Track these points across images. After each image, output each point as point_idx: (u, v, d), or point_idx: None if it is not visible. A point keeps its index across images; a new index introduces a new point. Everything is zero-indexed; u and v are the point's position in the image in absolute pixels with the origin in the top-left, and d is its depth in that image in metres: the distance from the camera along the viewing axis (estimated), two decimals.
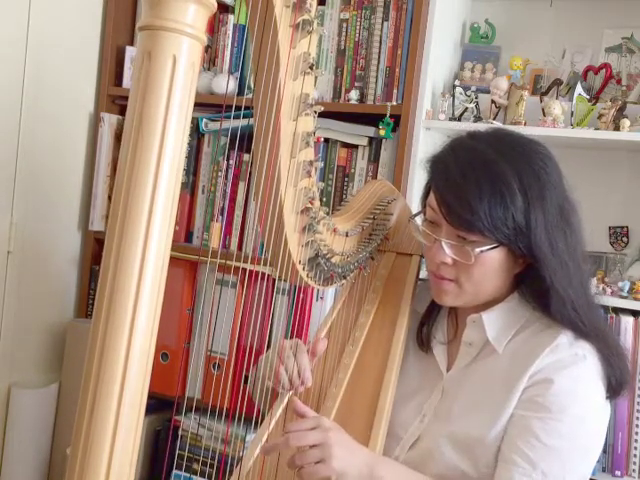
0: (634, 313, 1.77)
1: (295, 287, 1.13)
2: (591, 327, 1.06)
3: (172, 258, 0.68)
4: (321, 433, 0.96)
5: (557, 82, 1.89)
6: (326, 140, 1.94)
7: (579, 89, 1.86)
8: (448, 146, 1.10)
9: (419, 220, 1.16)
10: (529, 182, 1.01)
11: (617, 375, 1.06)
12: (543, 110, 1.83)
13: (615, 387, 1.06)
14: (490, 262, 1.05)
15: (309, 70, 0.94)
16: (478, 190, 1.00)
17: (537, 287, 1.06)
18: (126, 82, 2.22)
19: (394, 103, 1.87)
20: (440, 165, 1.08)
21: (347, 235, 1.16)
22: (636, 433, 1.73)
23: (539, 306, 1.08)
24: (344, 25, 1.97)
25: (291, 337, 1.19)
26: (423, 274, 1.25)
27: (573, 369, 1.03)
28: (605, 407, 1.07)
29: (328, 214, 1.09)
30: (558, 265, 1.03)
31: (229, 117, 1.79)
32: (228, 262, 1.80)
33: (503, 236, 1.01)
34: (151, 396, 0.68)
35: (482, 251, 1.03)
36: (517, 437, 1.02)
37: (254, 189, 0.99)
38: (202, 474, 1.93)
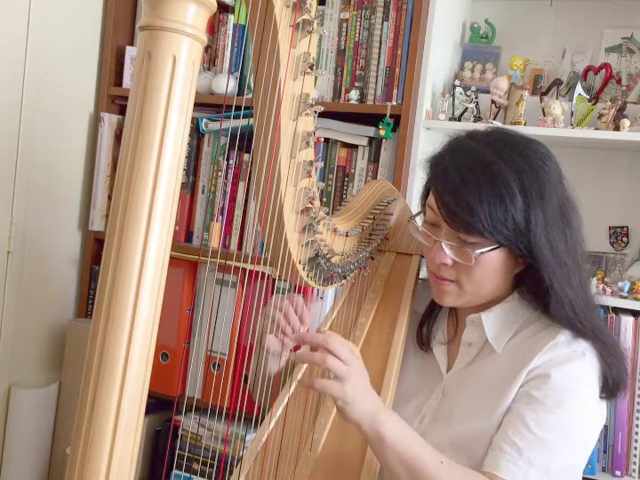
0: (634, 313, 1.77)
1: (295, 287, 1.13)
2: (590, 327, 1.06)
3: (172, 258, 0.68)
4: (352, 356, 0.97)
5: (557, 82, 1.89)
6: (326, 140, 1.94)
7: (579, 89, 1.86)
8: (447, 146, 1.10)
9: (419, 220, 1.16)
10: (529, 182, 1.01)
11: (614, 375, 1.06)
12: (543, 110, 1.83)
13: (612, 387, 1.06)
14: (490, 263, 1.05)
15: (309, 70, 0.94)
16: (477, 192, 1.00)
17: (536, 287, 1.06)
18: (126, 82, 2.22)
19: (394, 103, 1.87)
20: (439, 166, 1.08)
21: (347, 235, 1.16)
22: (636, 433, 1.73)
23: (538, 306, 1.08)
24: (344, 25, 1.97)
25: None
26: (423, 274, 1.26)
27: (571, 365, 1.03)
28: (601, 406, 1.07)
29: (328, 214, 1.09)
30: (558, 265, 1.03)
31: (229, 117, 1.79)
32: (228, 262, 1.80)
33: (503, 237, 1.01)
34: (151, 396, 0.68)
35: (482, 253, 1.03)
36: (508, 427, 1.02)
37: (254, 189, 0.99)
38: (202, 474, 1.93)
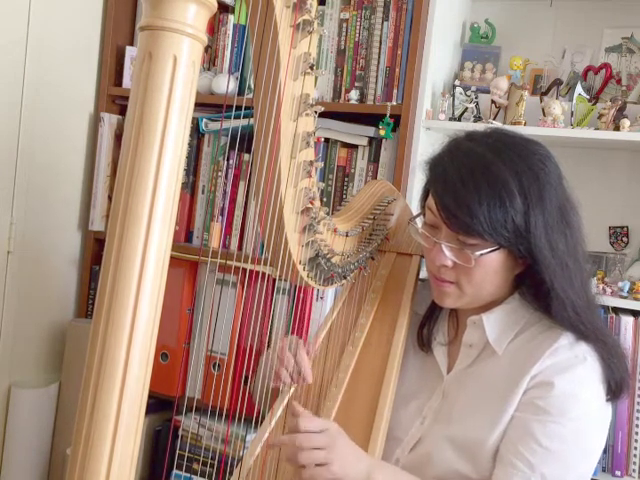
0: (634, 313, 1.77)
1: (295, 287, 1.13)
2: (591, 329, 1.05)
3: (172, 258, 0.68)
4: (327, 438, 0.97)
5: (557, 82, 1.89)
6: (326, 140, 1.94)
7: (579, 89, 1.86)
8: (446, 148, 1.10)
9: (419, 222, 1.16)
10: (528, 184, 1.01)
11: (617, 378, 1.05)
12: (543, 110, 1.83)
13: (614, 390, 1.06)
14: (490, 264, 1.04)
15: (309, 70, 0.94)
16: (477, 194, 0.99)
17: (537, 288, 1.06)
18: (126, 82, 2.22)
19: (394, 103, 1.87)
20: (438, 168, 1.08)
21: (347, 235, 1.16)
22: (636, 433, 1.73)
23: (540, 307, 1.08)
24: (344, 25, 1.97)
25: (292, 335, 1.20)
26: (423, 274, 1.25)
27: (574, 372, 1.03)
28: (606, 409, 1.07)
29: (328, 214, 1.09)
30: (558, 267, 1.03)
31: (229, 117, 1.79)
32: (228, 262, 1.80)
33: (503, 239, 1.01)
34: (151, 396, 0.68)
35: (482, 254, 1.02)
36: (517, 440, 1.01)
37: (254, 189, 0.99)
38: (202, 474, 1.93)
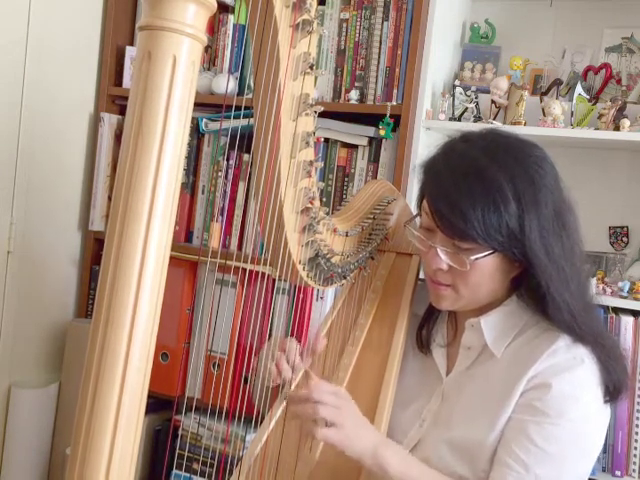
0: (634, 313, 1.77)
1: (295, 287, 1.13)
2: (588, 331, 1.05)
3: (172, 258, 0.68)
4: (343, 401, 0.99)
5: (557, 82, 1.89)
6: (326, 140, 1.94)
7: (579, 89, 1.86)
8: (440, 150, 1.09)
9: (417, 223, 1.15)
10: (523, 187, 0.99)
11: (615, 380, 1.05)
12: (543, 110, 1.83)
13: (613, 392, 1.05)
14: (486, 268, 1.04)
15: (309, 70, 0.94)
16: (471, 198, 0.99)
17: (534, 291, 1.05)
18: (126, 82, 2.22)
19: (394, 103, 1.87)
20: (432, 171, 1.07)
21: (347, 235, 1.16)
22: (636, 433, 1.73)
23: (537, 310, 1.07)
24: (344, 25, 1.97)
25: (291, 337, 1.19)
26: (423, 274, 1.25)
27: (572, 373, 1.02)
28: (604, 411, 1.06)
29: (328, 214, 1.09)
30: (554, 270, 1.02)
31: (229, 117, 1.79)
32: (228, 262, 1.80)
33: (497, 243, 1.00)
34: (151, 396, 0.68)
35: (477, 258, 1.02)
36: (513, 441, 1.01)
37: (254, 189, 0.99)
38: (202, 474, 1.93)
